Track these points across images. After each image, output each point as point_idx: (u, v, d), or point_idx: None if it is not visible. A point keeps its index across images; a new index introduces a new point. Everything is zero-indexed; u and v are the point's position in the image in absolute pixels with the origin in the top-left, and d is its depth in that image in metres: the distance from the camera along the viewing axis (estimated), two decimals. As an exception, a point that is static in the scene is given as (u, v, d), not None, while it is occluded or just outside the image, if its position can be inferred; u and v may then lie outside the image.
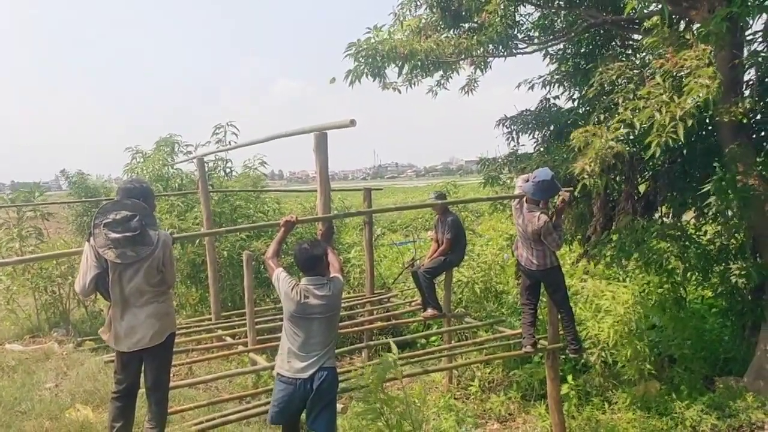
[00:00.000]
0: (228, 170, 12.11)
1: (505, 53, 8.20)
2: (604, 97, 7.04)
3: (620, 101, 6.29)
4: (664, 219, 8.15)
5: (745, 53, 6.88)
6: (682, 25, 7.00)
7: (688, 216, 8.16)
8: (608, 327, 6.89)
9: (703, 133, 7.62)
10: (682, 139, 5.28)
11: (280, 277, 4.28)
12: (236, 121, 11.67)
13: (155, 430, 4.15)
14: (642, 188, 8.39)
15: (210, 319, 8.18)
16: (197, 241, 9.65)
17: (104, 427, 4.29)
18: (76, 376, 5.78)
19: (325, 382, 4.15)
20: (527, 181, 5.76)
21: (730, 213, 6.85)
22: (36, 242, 9.38)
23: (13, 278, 8.87)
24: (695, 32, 5.96)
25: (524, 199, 5.80)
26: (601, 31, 8.54)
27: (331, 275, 4.34)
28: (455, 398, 7.37)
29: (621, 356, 6.94)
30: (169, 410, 4.42)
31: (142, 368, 4.20)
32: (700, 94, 5.15)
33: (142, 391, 4.28)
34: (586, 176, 6.11)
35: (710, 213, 7.41)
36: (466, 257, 8.20)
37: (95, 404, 5.01)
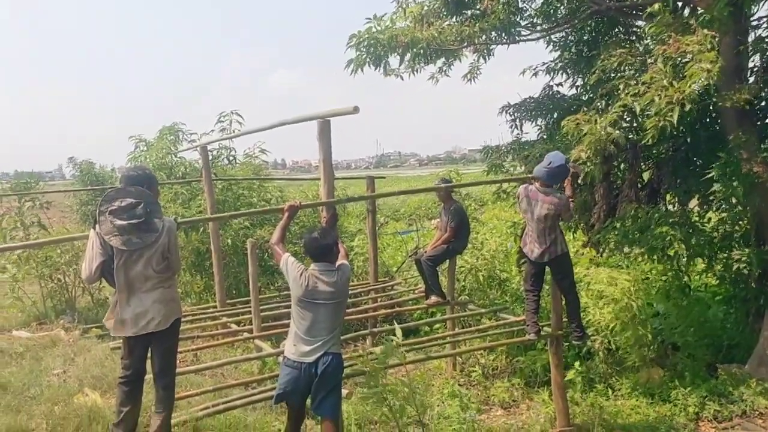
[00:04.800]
0: (231, 158, 12.12)
1: (508, 40, 8.17)
2: (607, 84, 7.02)
3: (622, 87, 6.27)
4: (668, 207, 8.14)
5: (750, 39, 6.84)
6: (686, 12, 6.96)
7: (692, 204, 8.15)
8: (608, 313, 6.92)
9: (707, 120, 7.60)
10: (675, 123, 5.28)
11: (288, 262, 4.32)
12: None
13: (163, 414, 4.19)
14: (646, 176, 8.38)
15: (215, 307, 8.21)
16: (201, 229, 9.68)
17: (112, 411, 4.34)
18: (84, 362, 5.84)
19: (330, 367, 4.20)
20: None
21: (734, 200, 6.84)
22: (38, 230, 9.44)
23: (19, 266, 8.93)
24: (698, 18, 5.94)
25: (530, 187, 5.80)
26: (605, 18, 8.49)
27: (339, 262, 4.38)
28: (459, 384, 7.41)
29: (623, 342, 6.98)
30: (175, 395, 4.46)
31: (149, 354, 4.25)
32: (702, 79, 5.14)
33: (148, 377, 4.33)
34: (586, 163, 6.11)
35: (715, 200, 7.41)
36: (469, 245, 8.21)
37: (103, 389, 5.07)
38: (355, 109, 4.45)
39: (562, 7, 8.67)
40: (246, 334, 6.76)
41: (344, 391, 4.70)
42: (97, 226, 4.00)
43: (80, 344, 6.63)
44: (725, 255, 7.26)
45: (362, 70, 7.86)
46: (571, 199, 5.76)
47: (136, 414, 4.24)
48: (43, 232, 9.40)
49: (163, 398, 4.21)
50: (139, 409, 4.27)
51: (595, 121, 6.08)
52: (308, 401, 4.45)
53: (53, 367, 5.78)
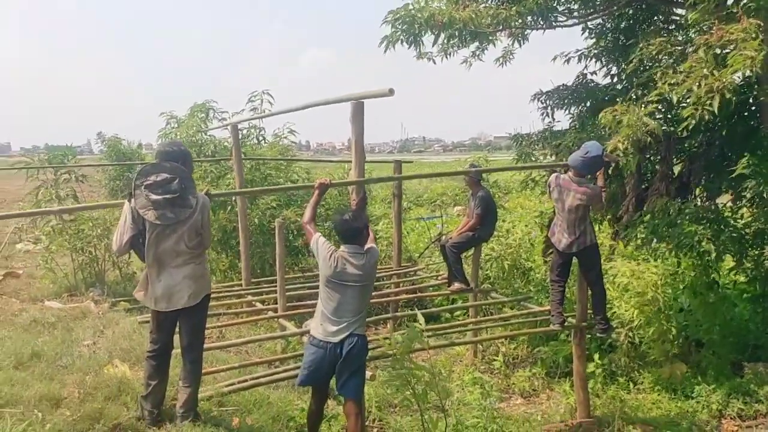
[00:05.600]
0: (261, 138, 12.16)
1: (544, 25, 8.05)
2: (643, 73, 6.88)
3: (659, 76, 6.13)
4: (698, 201, 7.97)
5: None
6: (730, 1, 6.76)
7: (723, 200, 7.98)
8: (633, 307, 6.85)
9: (746, 114, 7.41)
10: (716, 112, 5.15)
11: (319, 243, 4.37)
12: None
13: (190, 388, 4.27)
14: (676, 169, 8.21)
15: (240, 285, 8.31)
16: (229, 207, 9.78)
17: (140, 383, 4.43)
18: (113, 334, 5.96)
19: (355, 348, 4.24)
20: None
21: (767, 196, 6.67)
22: (72, 202, 9.63)
23: (52, 238, 9.14)
24: (742, 6, 5.76)
25: (561, 176, 5.74)
26: (644, 6, 8.29)
27: (367, 246, 4.41)
28: (480, 372, 7.41)
29: (646, 336, 6.91)
30: (202, 371, 4.53)
31: (177, 328, 4.32)
32: (745, 65, 4.99)
33: (176, 351, 4.40)
34: (619, 155, 6.02)
35: (747, 196, 7.24)
36: (495, 233, 8.16)
37: (131, 362, 5.17)
38: (390, 92, 4.41)
39: (600, -7, 8.48)
40: (271, 313, 6.83)
41: (368, 373, 4.72)
42: (132, 199, 4.06)
43: (109, 317, 6.76)
44: (756, 253, 7.11)
45: (394, 48, 7.76)
46: (603, 190, 5.69)
47: (164, 387, 4.33)
48: (76, 204, 9.61)
49: (191, 372, 4.29)
50: (167, 383, 4.35)
51: (634, 111, 5.97)
52: (332, 381, 4.49)
53: (83, 338, 5.90)
